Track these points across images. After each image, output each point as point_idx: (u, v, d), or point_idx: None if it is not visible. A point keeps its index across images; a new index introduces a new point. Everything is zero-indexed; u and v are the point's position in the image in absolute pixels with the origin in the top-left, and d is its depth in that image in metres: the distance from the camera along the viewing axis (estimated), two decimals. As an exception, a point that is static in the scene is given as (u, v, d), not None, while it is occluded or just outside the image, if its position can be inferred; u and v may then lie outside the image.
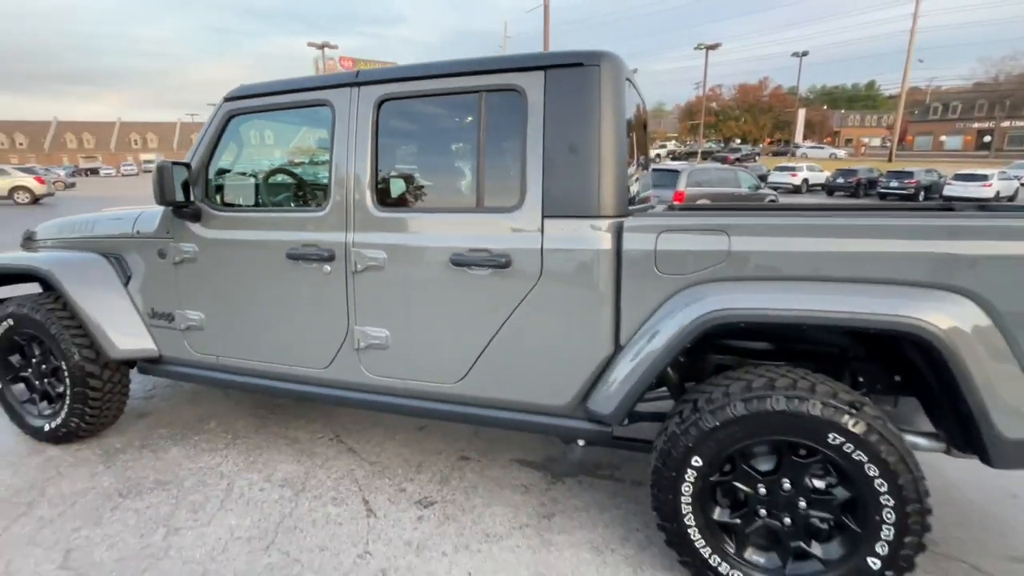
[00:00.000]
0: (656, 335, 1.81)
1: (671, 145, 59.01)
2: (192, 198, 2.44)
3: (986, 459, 1.64)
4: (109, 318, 2.67)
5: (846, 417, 1.60)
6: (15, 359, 2.91)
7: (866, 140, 67.58)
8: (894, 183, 24.34)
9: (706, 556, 1.82)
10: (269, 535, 2.17)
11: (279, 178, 2.85)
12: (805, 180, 29.11)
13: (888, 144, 46.12)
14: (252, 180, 2.76)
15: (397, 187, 2.30)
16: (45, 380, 2.86)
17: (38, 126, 78.85)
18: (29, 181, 20.65)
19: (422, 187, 2.34)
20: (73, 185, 31.70)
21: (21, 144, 75.23)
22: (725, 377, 1.80)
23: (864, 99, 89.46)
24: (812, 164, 31.89)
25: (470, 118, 2.09)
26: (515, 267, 1.98)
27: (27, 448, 2.84)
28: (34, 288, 3.01)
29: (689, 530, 1.83)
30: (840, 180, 27.43)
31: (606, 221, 1.90)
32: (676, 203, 12.43)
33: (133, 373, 2.94)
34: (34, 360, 2.87)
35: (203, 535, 2.17)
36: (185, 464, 2.70)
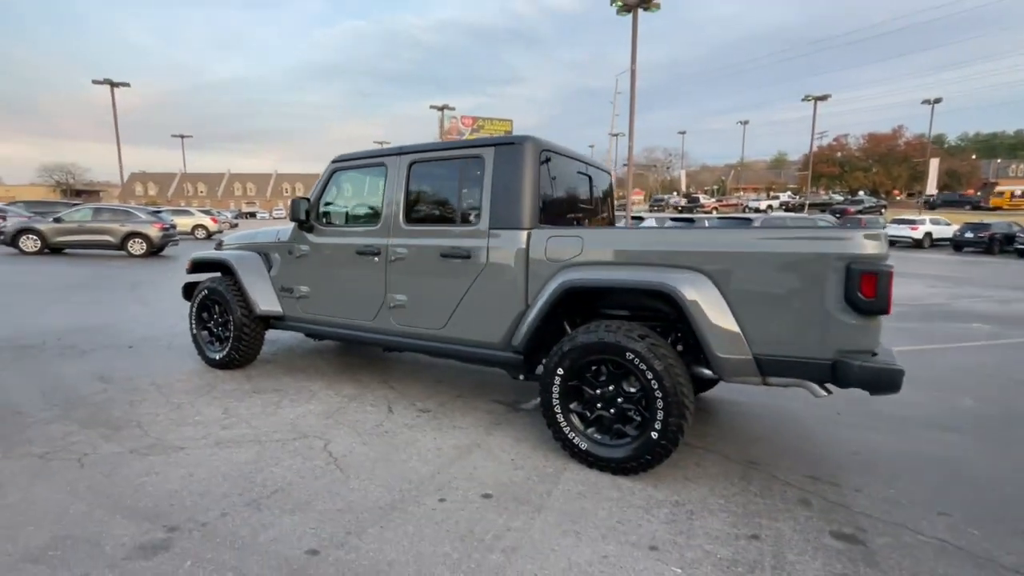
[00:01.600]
0: (542, 297, 3.08)
1: (784, 196, 56.86)
2: (309, 219, 4.14)
3: (715, 373, 2.69)
4: (258, 290, 4.42)
5: (635, 343, 2.75)
6: (204, 315, 4.77)
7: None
8: (1035, 238, 22.18)
9: (567, 432, 2.99)
10: (330, 413, 3.66)
11: (355, 208, 4.48)
12: (928, 234, 27.20)
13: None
14: (341, 208, 4.42)
15: (416, 212, 3.79)
16: (219, 328, 4.68)
17: (214, 177, 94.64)
18: (206, 221, 25.80)
19: (429, 211, 3.81)
20: (236, 225, 38.16)
21: (201, 192, 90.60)
22: (583, 325, 3.02)
23: (1032, 146, 79.47)
24: (936, 217, 29.62)
25: (456, 173, 3.55)
26: (473, 258, 3.37)
27: (204, 368, 4.65)
28: (211, 274, 4.90)
29: (557, 416, 3.02)
30: (969, 235, 25.27)
31: (523, 231, 3.23)
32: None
33: (268, 363, 4.67)
34: (214, 316, 4.71)
35: (295, 410, 3.72)
36: (291, 384, 4.33)
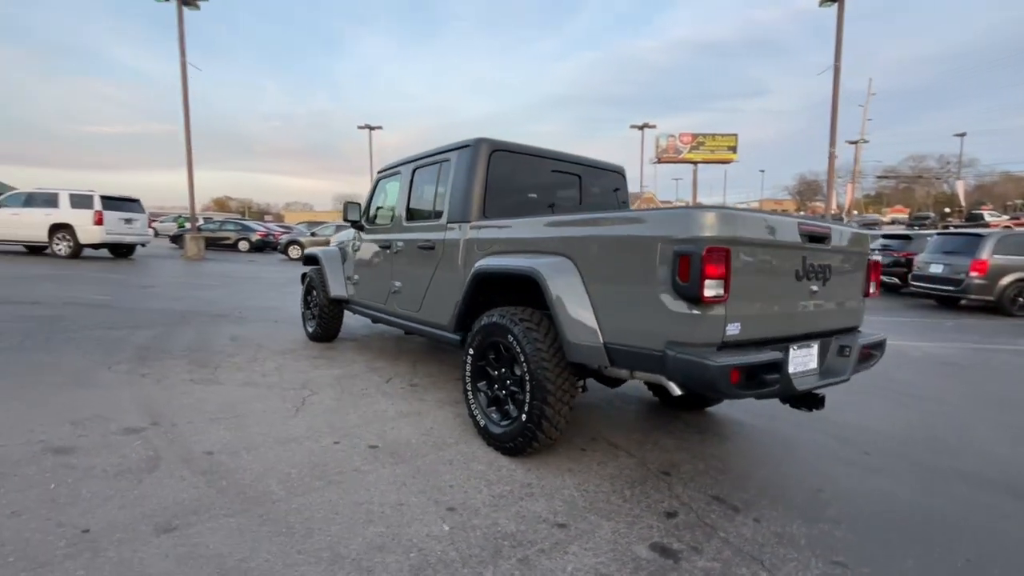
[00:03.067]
0: (466, 283, 3.35)
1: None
2: (360, 220, 5.04)
3: (568, 358, 2.62)
4: (333, 279, 5.49)
5: (515, 326, 2.86)
6: (308, 298, 6.06)
7: None
8: None
9: (473, 409, 3.20)
10: (341, 377, 4.42)
11: (384, 210, 5.19)
12: None
13: None
14: (378, 210, 5.21)
15: (412, 211, 4.34)
16: (314, 308, 5.91)
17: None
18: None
19: (419, 210, 4.32)
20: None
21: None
22: (496, 309, 3.20)
23: None
24: None
25: (435, 175, 4.01)
26: (436, 249, 3.79)
27: (304, 339, 5.90)
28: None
29: (468, 393, 3.24)
30: None
31: (467, 224, 3.54)
32: (974, 273, 10.28)
33: (351, 341, 5.73)
34: (313, 299, 5.96)
35: (322, 372, 4.57)
36: (348, 356, 5.25)
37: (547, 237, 2.87)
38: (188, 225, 20.43)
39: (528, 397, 2.77)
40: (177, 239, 24.36)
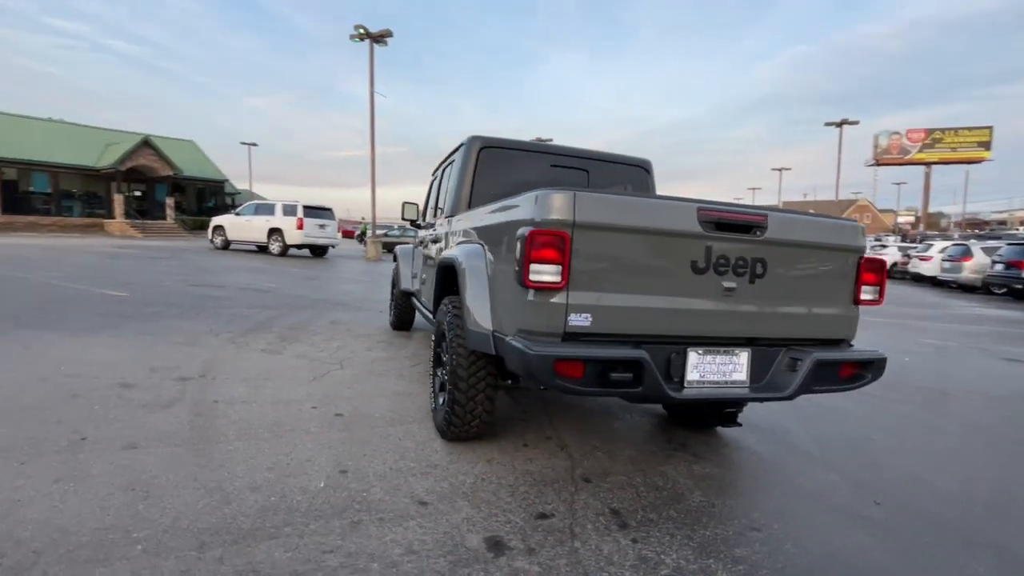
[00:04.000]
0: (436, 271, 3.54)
1: None
2: (418, 219, 5.52)
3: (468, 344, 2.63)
4: (403, 273, 6.08)
5: (448, 314, 2.98)
6: (392, 291, 6.77)
7: None
8: None
9: (432, 389, 3.37)
10: (380, 359, 4.92)
11: (428, 209, 5.51)
12: None
13: None
14: (432, 210, 5.59)
15: (437, 208, 4.63)
16: (394, 303, 6.57)
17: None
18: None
19: (439, 208, 4.57)
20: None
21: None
22: (455, 299, 3.34)
23: None
24: None
25: (449, 173, 4.26)
26: (440, 241, 4.04)
27: (387, 326, 6.61)
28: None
29: (431, 377, 3.43)
30: None
31: (454, 218, 3.73)
32: None
33: (423, 331, 6.28)
34: (394, 292, 6.64)
35: (370, 354, 5.12)
36: (404, 341, 5.77)
37: (475, 226, 2.93)
38: (369, 232, 23.68)
39: (447, 383, 2.86)
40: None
